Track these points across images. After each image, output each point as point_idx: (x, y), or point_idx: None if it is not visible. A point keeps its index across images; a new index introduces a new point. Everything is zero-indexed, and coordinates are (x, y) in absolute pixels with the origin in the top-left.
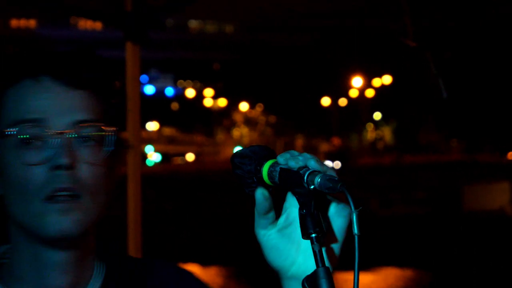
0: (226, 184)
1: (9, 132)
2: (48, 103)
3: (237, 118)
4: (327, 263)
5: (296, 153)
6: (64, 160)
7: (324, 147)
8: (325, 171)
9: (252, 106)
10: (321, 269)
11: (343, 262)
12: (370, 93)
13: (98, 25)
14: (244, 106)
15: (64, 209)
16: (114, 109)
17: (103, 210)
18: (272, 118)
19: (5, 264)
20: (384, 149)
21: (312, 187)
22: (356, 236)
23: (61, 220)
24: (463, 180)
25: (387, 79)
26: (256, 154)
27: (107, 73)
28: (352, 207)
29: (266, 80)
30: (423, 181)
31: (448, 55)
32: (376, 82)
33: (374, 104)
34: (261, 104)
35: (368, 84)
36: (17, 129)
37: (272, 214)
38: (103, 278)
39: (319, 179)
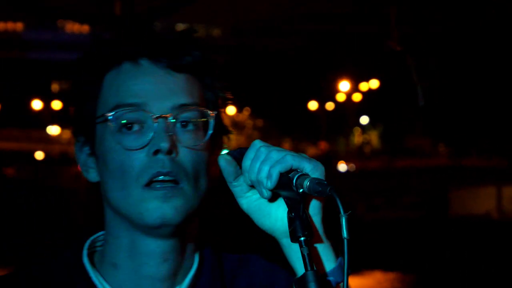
0: (221, 186)
1: (110, 117)
2: (148, 87)
3: (224, 122)
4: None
5: (259, 159)
6: (164, 144)
7: (311, 151)
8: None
9: (239, 110)
10: (310, 273)
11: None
12: (357, 97)
13: (85, 28)
14: (231, 110)
15: (164, 196)
16: (213, 93)
17: (204, 197)
18: (259, 122)
19: (98, 251)
20: (371, 153)
21: (301, 190)
22: (345, 240)
23: (161, 207)
24: (450, 185)
25: (374, 83)
26: (243, 155)
27: (206, 56)
28: (342, 211)
29: (253, 84)
30: (410, 186)
31: (435, 60)
32: (363, 86)
33: (361, 108)
34: (248, 108)
35: (355, 88)
36: (117, 113)
37: (242, 179)
38: (196, 269)
39: (308, 183)
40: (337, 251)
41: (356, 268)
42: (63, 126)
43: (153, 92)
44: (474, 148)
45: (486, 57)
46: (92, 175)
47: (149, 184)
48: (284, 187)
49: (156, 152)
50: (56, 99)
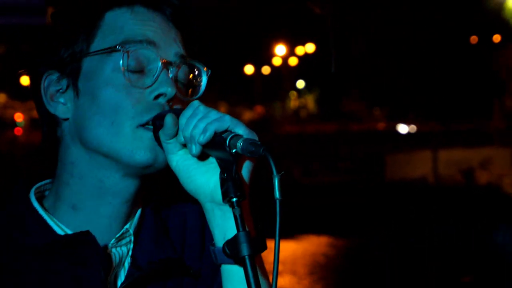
0: None
1: (123, 49)
2: (158, 31)
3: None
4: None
5: (200, 114)
6: (170, 90)
7: (247, 115)
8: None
9: None
10: (242, 233)
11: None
12: (293, 61)
13: None
14: None
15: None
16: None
17: None
18: None
19: (48, 196)
20: (308, 117)
21: (234, 150)
22: (277, 201)
23: (154, 149)
24: (386, 149)
25: (310, 47)
26: (178, 115)
27: (199, 23)
28: (274, 172)
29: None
30: (346, 150)
31: (369, 24)
32: (300, 50)
33: (297, 72)
34: None
35: (291, 52)
36: (128, 47)
37: (176, 138)
38: (141, 211)
39: (241, 143)
40: (256, 223)
41: (292, 232)
42: None
43: (161, 37)
44: (409, 112)
45: (421, 22)
46: (61, 111)
47: (144, 125)
48: (217, 147)
49: (158, 96)
50: None
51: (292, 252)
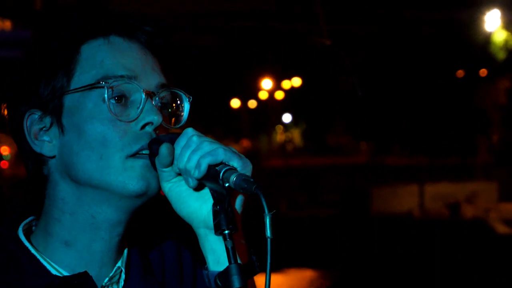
0: None
1: (106, 85)
2: (137, 63)
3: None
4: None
5: (193, 144)
6: (157, 118)
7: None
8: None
9: None
10: (233, 266)
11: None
12: (279, 95)
13: (7, 25)
14: None
15: (150, 165)
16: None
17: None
18: None
19: (36, 235)
20: (294, 151)
21: (227, 184)
22: (268, 239)
23: (145, 176)
24: (372, 183)
25: (296, 81)
26: (174, 141)
27: (176, 47)
28: (266, 210)
29: (176, 81)
30: (332, 183)
31: (355, 58)
32: (286, 84)
33: (283, 106)
34: None
35: (277, 86)
36: (112, 82)
37: (173, 169)
38: (128, 248)
39: (234, 178)
40: (249, 248)
41: (278, 266)
42: None
43: (141, 68)
44: (395, 146)
45: (405, 57)
46: (47, 149)
47: (133, 155)
48: (211, 179)
49: (145, 125)
50: None
51: (278, 287)
